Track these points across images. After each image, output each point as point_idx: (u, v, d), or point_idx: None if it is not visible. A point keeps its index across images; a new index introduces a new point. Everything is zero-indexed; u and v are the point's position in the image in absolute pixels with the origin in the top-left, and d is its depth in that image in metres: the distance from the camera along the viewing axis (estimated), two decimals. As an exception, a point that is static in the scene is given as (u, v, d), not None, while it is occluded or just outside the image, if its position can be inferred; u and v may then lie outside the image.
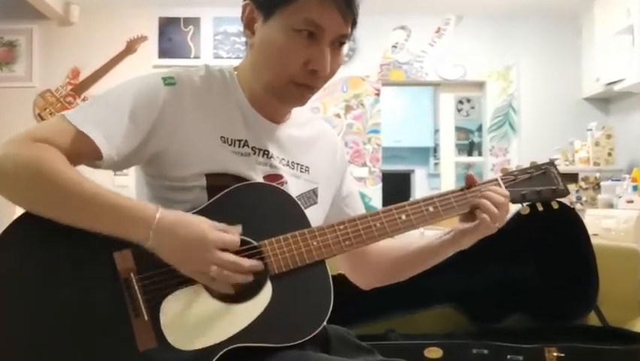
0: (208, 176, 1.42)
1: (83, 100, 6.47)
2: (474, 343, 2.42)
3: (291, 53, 1.40)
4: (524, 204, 1.60)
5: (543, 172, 1.62)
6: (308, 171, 1.59)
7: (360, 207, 1.74)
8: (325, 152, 1.67)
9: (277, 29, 1.41)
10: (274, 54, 1.42)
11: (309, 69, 1.42)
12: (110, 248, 1.32)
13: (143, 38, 6.67)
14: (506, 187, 1.57)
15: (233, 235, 1.33)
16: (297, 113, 1.62)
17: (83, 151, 1.35)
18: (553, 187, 1.61)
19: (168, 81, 1.44)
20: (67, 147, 1.33)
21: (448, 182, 7.09)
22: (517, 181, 1.59)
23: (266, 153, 1.51)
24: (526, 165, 1.64)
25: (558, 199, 1.61)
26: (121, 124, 1.37)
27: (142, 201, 1.30)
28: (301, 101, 1.49)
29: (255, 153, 1.49)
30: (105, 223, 1.29)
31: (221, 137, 1.46)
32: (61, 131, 1.34)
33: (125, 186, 5.55)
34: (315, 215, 1.54)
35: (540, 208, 1.59)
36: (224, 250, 1.31)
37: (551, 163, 1.64)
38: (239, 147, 1.47)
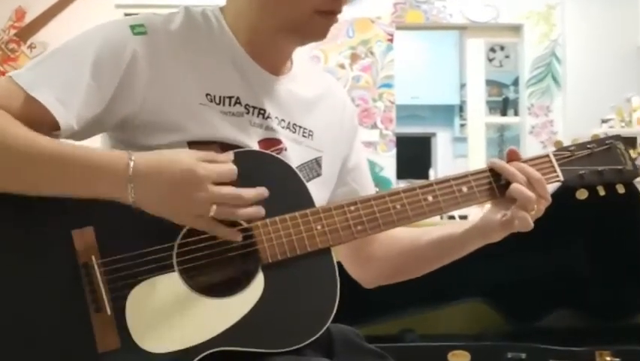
0: (191, 144, 1.42)
1: (30, 47, 6.44)
2: (509, 345, 2.44)
3: None
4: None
5: (607, 148, 1.58)
6: (312, 136, 1.59)
7: (369, 183, 1.73)
8: (331, 113, 1.66)
9: None
10: None
11: None
12: (70, 225, 1.31)
13: (102, -29, 6.63)
14: (560, 165, 1.55)
15: (225, 163, 1.35)
16: (299, 64, 1.63)
17: (36, 120, 1.34)
18: (619, 167, 1.58)
19: (137, 30, 1.43)
20: (16, 116, 1.32)
21: (477, 148, 7.08)
22: (574, 158, 1.56)
23: (262, 112, 1.51)
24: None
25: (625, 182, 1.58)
26: (80, 85, 1.36)
27: (109, 150, 1.31)
28: (325, 32, 1.50)
29: (248, 113, 1.49)
30: (72, 185, 1.30)
31: (207, 94, 1.45)
32: (7, 97, 1.34)
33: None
34: (318, 191, 1.53)
35: (602, 193, 1.57)
36: (218, 183, 1.32)
37: (617, 137, 1.61)
38: (229, 105, 1.47)
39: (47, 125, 1.35)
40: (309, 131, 1.58)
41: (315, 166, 1.58)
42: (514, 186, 1.47)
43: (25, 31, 6.53)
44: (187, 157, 1.33)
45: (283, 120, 1.54)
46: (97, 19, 1.53)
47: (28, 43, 6.50)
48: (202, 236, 1.35)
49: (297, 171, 1.46)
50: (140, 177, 1.29)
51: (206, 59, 1.48)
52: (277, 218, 1.39)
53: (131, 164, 1.29)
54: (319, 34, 1.50)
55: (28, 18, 6.54)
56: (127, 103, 1.40)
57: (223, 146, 1.43)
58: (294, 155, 1.53)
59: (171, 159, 1.32)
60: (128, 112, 1.41)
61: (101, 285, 1.30)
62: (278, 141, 1.51)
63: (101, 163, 1.30)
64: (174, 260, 1.34)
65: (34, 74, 1.37)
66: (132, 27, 1.43)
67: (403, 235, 1.66)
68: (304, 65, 1.65)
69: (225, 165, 1.35)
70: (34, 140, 1.29)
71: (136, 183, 1.29)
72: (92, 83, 1.37)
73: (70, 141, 1.32)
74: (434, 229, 1.64)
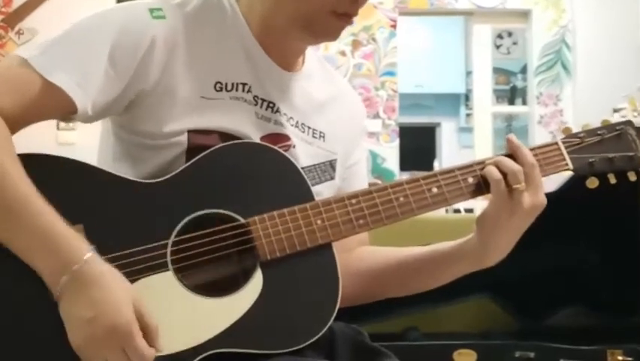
0: (191, 133, 1.42)
1: (18, 33, 6.43)
2: (517, 344, 2.44)
3: None
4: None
5: (617, 134, 1.58)
6: (323, 138, 1.59)
7: (363, 179, 1.72)
8: (342, 117, 1.66)
9: None
10: None
11: None
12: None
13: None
14: (569, 153, 1.54)
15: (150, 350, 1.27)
16: (311, 63, 1.63)
17: (51, 105, 1.36)
18: (631, 154, 1.57)
19: (156, 14, 1.44)
20: (30, 101, 1.34)
21: (484, 138, 7.08)
22: (584, 145, 1.56)
23: (271, 105, 1.52)
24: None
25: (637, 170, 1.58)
26: (98, 70, 1.37)
27: (75, 233, 1.27)
28: (337, 34, 1.51)
29: (256, 104, 1.50)
30: (18, 241, 1.27)
31: (217, 83, 1.47)
32: (22, 82, 1.34)
33: (70, 143, 5.54)
34: (329, 195, 1.53)
35: (613, 181, 1.57)
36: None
37: (629, 123, 1.60)
38: (243, 91, 1.49)
39: (63, 109, 1.37)
40: (320, 132, 1.59)
41: (328, 169, 1.59)
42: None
43: (13, 17, 6.51)
44: (129, 312, 1.24)
45: (292, 118, 1.54)
46: (87, 4, 1.53)
47: (16, 29, 6.47)
48: (197, 233, 1.35)
49: (295, 162, 1.46)
50: (83, 277, 1.23)
51: (219, 47, 1.49)
52: (275, 213, 1.38)
53: (85, 258, 1.24)
54: (331, 35, 1.50)
55: (16, 3, 6.52)
56: (139, 85, 1.41)
57: (222, 136, 1.44)
58: (304, 154, 1.54)
59: (118, 291, 1.25)
60: (138, 93, 1.42)
61: None
62: (286, 137, 1.52)
63: (61, 235, 1.25)
64: (168, 259, 1.33)
65: (49, 56, 1.37)
66: (151, 10, 1.44)
67: (378, 250, 1.66)
68: (316, 65, 1.65)
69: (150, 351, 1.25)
70: (14, 179, 1.26)
71: (73, 279, 1.23)
72: (110, 69, 1.38)
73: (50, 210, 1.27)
74: (414, 248, 1.61)
